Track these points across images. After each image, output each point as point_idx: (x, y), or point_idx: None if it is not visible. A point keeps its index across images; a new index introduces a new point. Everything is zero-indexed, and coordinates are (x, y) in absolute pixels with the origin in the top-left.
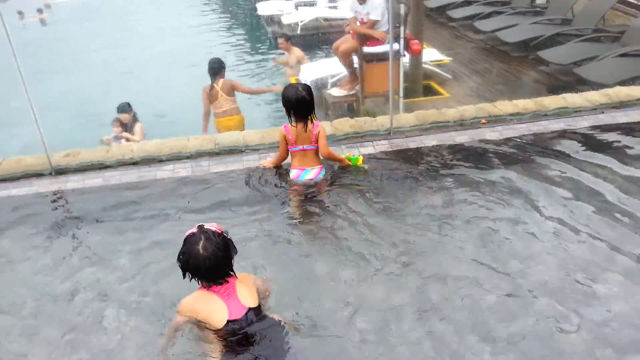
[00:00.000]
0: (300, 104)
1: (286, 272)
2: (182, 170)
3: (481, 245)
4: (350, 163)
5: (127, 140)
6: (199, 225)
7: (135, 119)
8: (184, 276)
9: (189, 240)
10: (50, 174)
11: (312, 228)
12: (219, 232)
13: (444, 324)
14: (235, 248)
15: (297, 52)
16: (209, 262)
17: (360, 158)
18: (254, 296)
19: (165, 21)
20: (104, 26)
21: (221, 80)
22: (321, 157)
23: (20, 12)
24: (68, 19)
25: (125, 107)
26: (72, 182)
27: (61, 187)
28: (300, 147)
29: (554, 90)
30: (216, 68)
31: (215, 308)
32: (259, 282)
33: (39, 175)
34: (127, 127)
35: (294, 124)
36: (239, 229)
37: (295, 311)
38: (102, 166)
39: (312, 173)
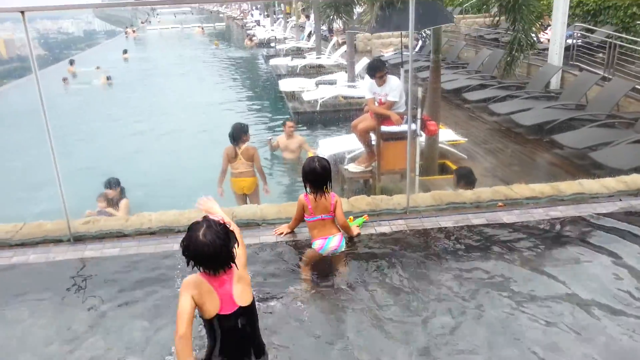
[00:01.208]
0: (314, 175)
1: (299, 350)
2: None
3: (497, 332)
4: (358, 232)
5: (111, 215)
6: (204, 216)
7: (122, 195)
8: (187, 264)
9: (192, 228)
10: (69, 240)
11: (325, 305)
12: (222, 222)
13: None
14: (237, 239)
15: (299, 138)
16: (207, 249)
17: (365, 218)
18: (247, 294)
19: (193, 95)
20: (147, 94)
21: (243, 146)
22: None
23: (65, 79)
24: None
25: (112, 183)
26: (89, 251)
27: (79, 255)
28: (319, 216)
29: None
30: (237, 133)
31: (209, 299)
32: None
33: (57, 241)
34: (112, 202)
35: (311, 194)
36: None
37: None
38: (120, 235)
39: (334, 241)
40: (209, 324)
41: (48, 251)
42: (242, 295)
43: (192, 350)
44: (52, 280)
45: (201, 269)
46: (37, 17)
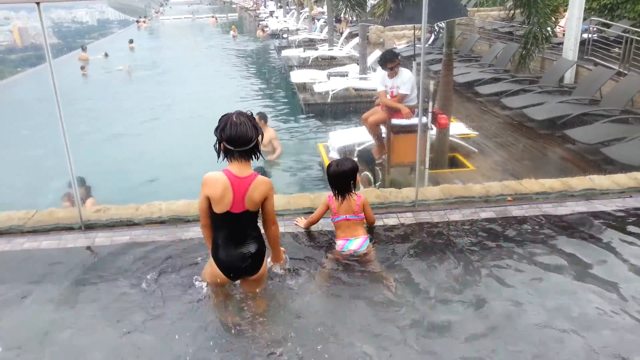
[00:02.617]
0: (331, 177)
1: (304, 343)
2: None
3: (501, 326)
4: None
5: None
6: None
7: (88, 194)
8: (219, 154)
9: (224, 116)
10: (80, 228)
11: (329, 295)
12: (251, 113)
13: None
14: (262, 130)
15: (270, 132)
16: (240, 127)
17: None
18: (257, 202)
19: (202, 85)
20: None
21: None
22: (365, 226)
23: (83, 67)
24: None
25: (77, 182)
26: (100, 238)
27: (89, 242)
28: (343, 216)
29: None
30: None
31: (224, 196)
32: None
33: (69, 228)
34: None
35: (335, 196)
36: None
37: None
38: (130, 223)
39: (356, 243)
40: (217, 216)
41: (59, 238)
42: (253, 202)
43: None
44: (63, 267)
45: (232, 157)
46: (52, 7)
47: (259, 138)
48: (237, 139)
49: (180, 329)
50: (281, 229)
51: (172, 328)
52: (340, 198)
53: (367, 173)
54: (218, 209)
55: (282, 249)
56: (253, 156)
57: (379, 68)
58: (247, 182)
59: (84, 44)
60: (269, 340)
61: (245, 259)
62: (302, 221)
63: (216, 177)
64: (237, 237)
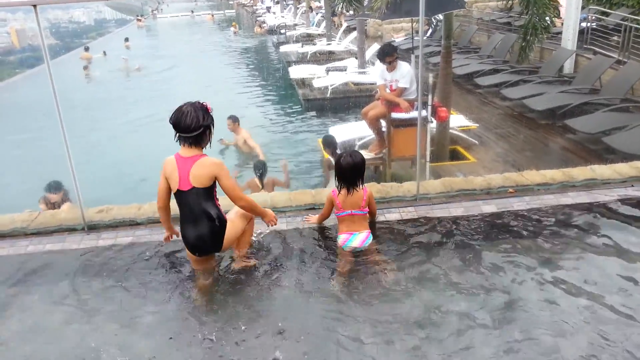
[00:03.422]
0: (339, 171)
1: (306, 334)
2: None
3: (507, 319)
4: None
5: None
6: None
7: (65, 198)
8: (175, 136)
9: (185, 103)
10: (83, 229)
11: (328, 290)
12: (205, 104)
13: None
14: (213, 119)
15: (244, 132)
16: (182, 116)
17: None
18: (203, 179)
19: (200, 82)
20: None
21: (266, 178)
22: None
23: (85, 67)
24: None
25: (53, 186)
26: (103, 240)
27: (93, 244)
28: (349, 211)
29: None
30: (263, 171)
31: (172, 176)
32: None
33: (72, 230)
34: (55, 206)
35: (342, 190)
36: (264, 286)
37: None
38: (133, 223)
39: (359, 238)
40: (174, 195)
41: (63, 240)
42: (198, 179)
43: (170, 216)
44: (66, 269)
45: (180, 141)
46: (49, 7)
47: (210, 129)
48: (176, 124)
49: (185, 326)
50: (284, 226)
51: (177, 325)
52: (347, 191)
53: (331, 158)
54: (172, 187)
55: (266, 210)
56: (198, 144)
57: (378, 62)
58: (191, 161)
59: (85, 44)
60: (267, 335)
61: (200, 238)
62: (313, 217)
63: (168, 159)
64: (191, 216)
